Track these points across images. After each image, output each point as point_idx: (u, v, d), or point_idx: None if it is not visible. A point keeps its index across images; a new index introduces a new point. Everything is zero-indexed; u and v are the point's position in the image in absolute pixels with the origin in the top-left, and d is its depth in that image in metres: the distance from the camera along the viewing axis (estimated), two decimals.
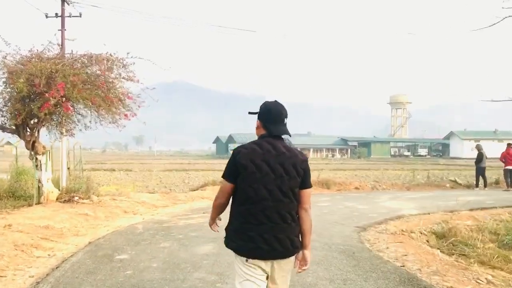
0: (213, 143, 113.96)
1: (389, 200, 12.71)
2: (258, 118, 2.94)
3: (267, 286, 2.87)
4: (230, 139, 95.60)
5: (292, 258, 2.89)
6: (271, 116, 2.89)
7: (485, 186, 16.84)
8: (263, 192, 2.74)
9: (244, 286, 2.83)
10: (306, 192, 2.87)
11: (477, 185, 16.96)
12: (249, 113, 3.08)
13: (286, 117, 2.93)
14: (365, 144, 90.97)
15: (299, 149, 2.96)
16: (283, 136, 2.96)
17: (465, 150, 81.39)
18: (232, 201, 2.92)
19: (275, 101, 2.99)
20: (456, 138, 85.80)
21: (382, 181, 17.97)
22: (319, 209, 10.56)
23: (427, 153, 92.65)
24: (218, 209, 3.01)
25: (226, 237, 2.92)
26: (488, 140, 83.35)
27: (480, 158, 16.93)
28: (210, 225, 3.15)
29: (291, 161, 2.79)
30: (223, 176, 2.88)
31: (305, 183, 2.86)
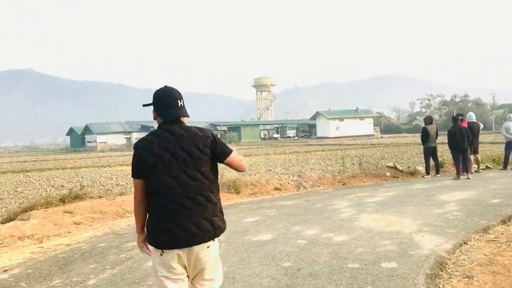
0: (66, 135, 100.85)
1: (357, 212, 7.63)
2: (154, 109, 2.76)
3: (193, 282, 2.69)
4: (87, 129, 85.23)
5: (213, 243, 2.67)
6: (163, 103, 2.70)
7: (437, 172, 12.84)
8: (169, 181, 2.59)
9: (159, 280, 2.63)
10: (230, 159, 2.73)
11: (427, 172, 12.86)
12: (144, 105, 2.87)
13: (180, 99, 2.73)
14: (235, 129, 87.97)
15: (200, 127, 2.80)
16: None
17: (331, 130, 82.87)
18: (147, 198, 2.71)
19: (165, 86, 2.80)
20: (322, 118, 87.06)
21: (306, 174, 12.96)
22: (269, 256, 5.03)
23: (295, 134, 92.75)
24: (140, 209, 2.74)
25: (147, 235, 2.71)
26: (351, 118, 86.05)
27: (425, 135, 12.78)
28: (139, 243, 2.82)
29: (191, 141, 2.64)
30: (132, 176, 2.71)
31: (221, 156, 2.70)
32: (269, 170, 17.82)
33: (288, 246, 5.57)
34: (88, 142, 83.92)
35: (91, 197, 9.28)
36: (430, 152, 12.65)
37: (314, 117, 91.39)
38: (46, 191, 14.52)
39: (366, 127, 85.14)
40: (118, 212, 8.76)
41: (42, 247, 6.45)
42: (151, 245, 2.67)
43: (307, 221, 7.04)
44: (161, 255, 2.60)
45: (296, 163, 21.69)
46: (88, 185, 15.51)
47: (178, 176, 2.59)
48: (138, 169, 2.65)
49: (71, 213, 8.20)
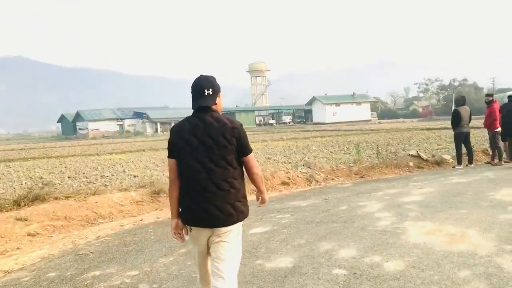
0: (57, 122, 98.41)
1: (398, 218, 5.83)
2: None
3: (212, 257, 2.85)
4: (78, 117, 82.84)
5: (236, 226, 2.83)
6: (192, 93, 2.86)
7: (470, 161, 11.05)
8: (195, 165, 2.74)
9: (193, 253, 2.96)
10: (247, 159, 2.84)
11: (459, 162, 11.06)
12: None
13: (209, 88, 2.82)
14: (229, 115, 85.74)
15: (230, 118, 2.86)
16: None
17: (327, 115, 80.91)
18: None
19: (200, 75, 2.92)
20: (318, 104, 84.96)
21: (316, 165, 11.12)
22: None
23: (291, 120, 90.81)
24: (173, 189, 2.91)
25: (180, 211, 2.92)
26: (348, 103, 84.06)
27: (457, 118, 10.95)
28: (172, 229, 2.95)
29: (219, 131, 2.75)
30: (167, 156, 2.92)
31: (243, 151, 2.82)
32: (269, 158, 16.17)
33: (321, 281, 3.76)
34: (80, 129, 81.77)
35: (56, 198, 7.39)
36: (462, 139, 10.80)
37: (310, 103, 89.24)
38: (21, 184, 12.69)
39: (363, 112, 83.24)
40: (88, 217, 6.91)
41: None
42: (182, 222, 2.89)
43: (335, 234, 5.22)
44: (190, 230, 2.86)
45: (297, 150, 20.05)
46: (70, 177, 13.78)
47: (203, 162, 2.73)
48: (171, 150, 2.87)
49: (26, 220, 6.35)
